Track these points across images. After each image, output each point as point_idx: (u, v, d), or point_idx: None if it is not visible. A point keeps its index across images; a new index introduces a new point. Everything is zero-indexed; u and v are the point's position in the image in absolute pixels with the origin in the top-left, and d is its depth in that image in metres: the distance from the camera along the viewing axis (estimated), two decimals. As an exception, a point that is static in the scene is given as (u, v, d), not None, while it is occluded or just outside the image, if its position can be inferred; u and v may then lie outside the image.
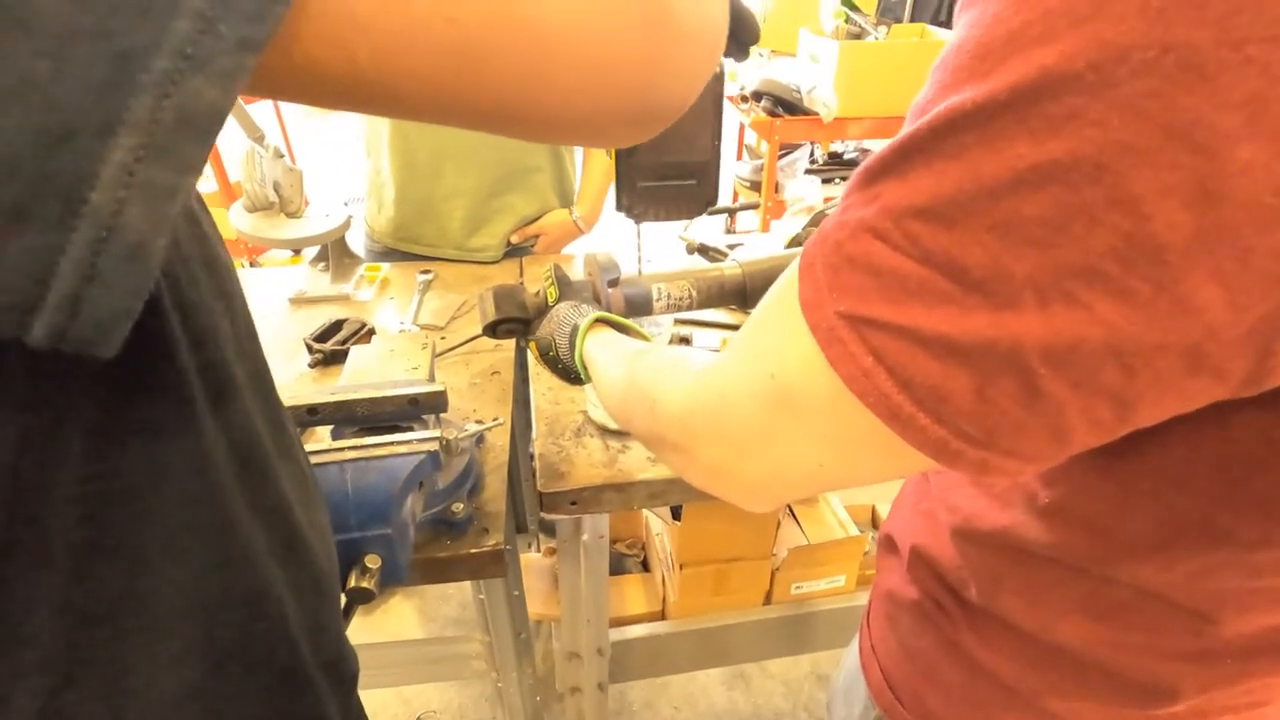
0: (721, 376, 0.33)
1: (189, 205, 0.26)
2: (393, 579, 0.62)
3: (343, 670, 0.38)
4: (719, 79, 0.59)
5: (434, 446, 0.66)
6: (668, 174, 0.61)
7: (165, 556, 0.26)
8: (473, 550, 0.75)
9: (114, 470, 0.24)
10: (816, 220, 0.76)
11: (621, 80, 0.24)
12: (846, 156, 3.04)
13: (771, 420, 0.30)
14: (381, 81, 0.21)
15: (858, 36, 2.61)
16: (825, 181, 2.77)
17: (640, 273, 0.75)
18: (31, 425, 0.21)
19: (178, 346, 0.25)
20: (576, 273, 0.71)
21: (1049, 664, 0.39)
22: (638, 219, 0.66)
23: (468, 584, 1.57)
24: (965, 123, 0.22)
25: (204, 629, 0.28)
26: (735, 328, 1.09)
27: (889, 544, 0.51)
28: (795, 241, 0.79)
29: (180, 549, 0.27)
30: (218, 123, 0.17)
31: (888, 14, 3.56)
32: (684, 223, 1.52)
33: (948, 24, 5.31)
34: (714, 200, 0.66)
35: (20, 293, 0.16)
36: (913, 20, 4.25)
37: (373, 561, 0.60)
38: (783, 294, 0.30)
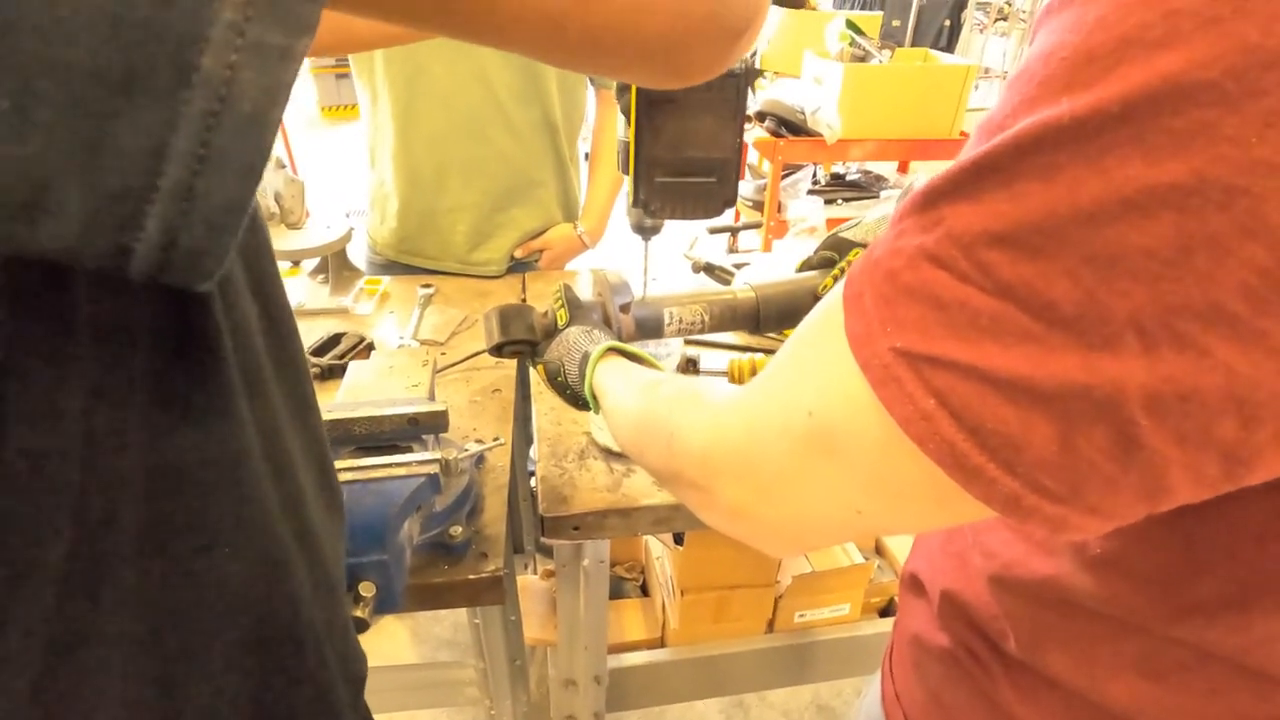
0: (749, 410, 0.31)
1: None
2: (387, 607, 0.59)
3: (353, 669, 0.38)
4: (742, 77, 0.57)
5: (433, 469, 0.63)
6: (687, 170, 0.59)
7: (211, 546, 0.26)
8: (470, 576, 0.72)
9: (167, 456, 0.23)
10: (830, 244, 0.74)
11: None
12: (849, 178, 3.05)
13: (805, 461, 0.27)
14: None
15: (862, 59, 2.62)
16: (828, 202, 2.77)
17: (646, 291, 0.72)
18: (98, 409, 0.21)
19: (219, 328, 0.24)
20: (582, 290, 0.69)
21: None
22: (654, 215, 0.63)
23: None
24: (1060, 139, 0.19)
25: (246, 621, 0.28)
26: (745, 349, 1.06)
27: (914, 585, 0.48)
28: (806, 265, 0.77)
29: (222, 538, 0.26)
30: None
31: (889, 38, 3.59)
32: (689, 240, 1.51)
33: (949, 49, 5.37)
34: (733, 200, 0.64)
35: (135, 175, 0.15)
36: (913, 46, 4.29)
37: (367, 589, 0.58)
38: (823, 325, 0.27)
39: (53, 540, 0.20)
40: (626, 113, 0.57)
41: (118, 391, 0.21)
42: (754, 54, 3.35)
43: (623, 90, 0.57)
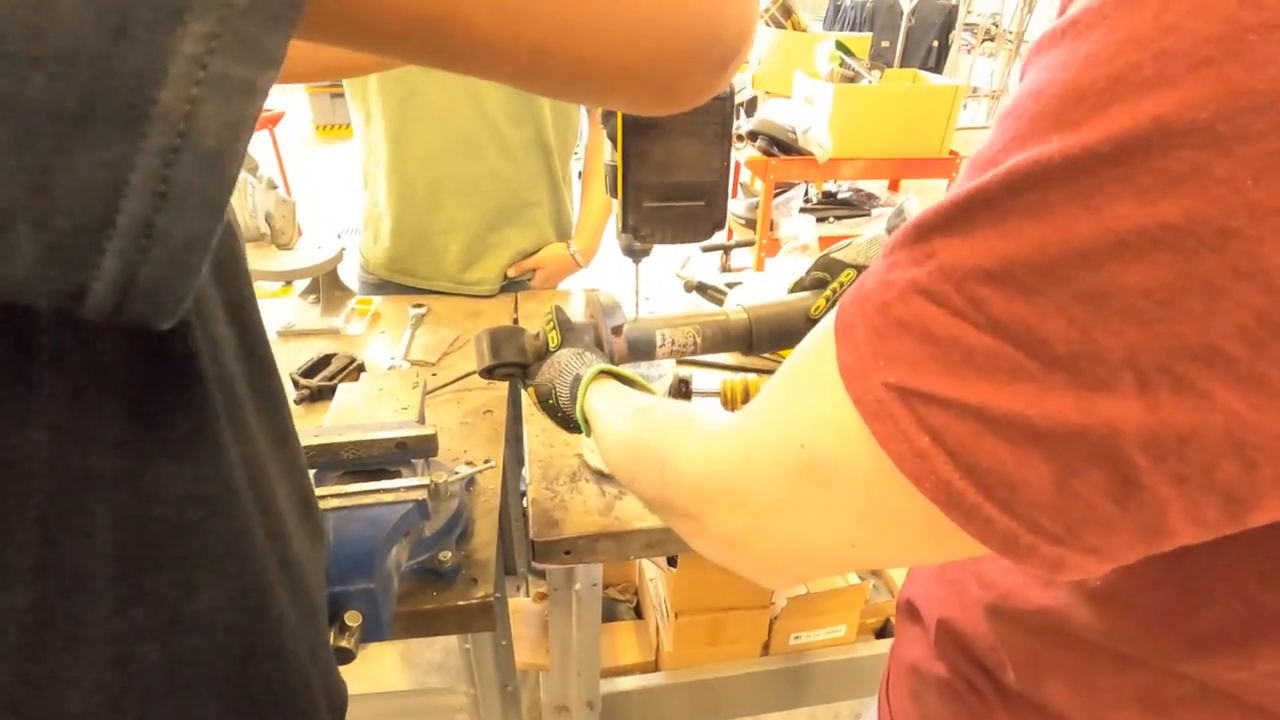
0: (743, 439, 0.31)
1: None
2: (374, 636, 0.58)
3: (336, 698, 0.37)
4: (728, 99, 0.57)
5: (422, 495, 0.62)
6: (675, 194, 0.59)
7: (196, 583, 0.25)
8: (460, 602, 0.71)
9: (145, 494, 0.23)
10: (822, 264, 0.75)
11: (685, 11, 0.24)
12: (840, 196, 3.08)
13: (798, 492, 0.27)
14: (439, 17, 0.20)
15: (852, 80, 2.65)
16: (820, 220, 2.79)
17: (638, 312, 0.72)
18: (64, 450, 0.20)
19: (199, 351, 0.24)
20: (574, 309, 0.69)
21: None
22: (644, 240, 0.63)
23: (452, 629, 1.52)
24: (1050, 177, 0.19)
25: (231, 653, 0.27)
26: (737, 369, 1.06)
27: (910, 612, 0.48)
28: (799, 285, 0.77)
29: (207, 574, 0.25)
30: (295, 6, 0.15)
31: (878, 59, 3.64)
32: (681, 260, 1.51)
33: (937, 69, 5.45)
34: (723, 223, 0.64)
35: (91, 212, 0.14)
36: (902, 66, 4.36)
37: (353, 619, 0.56)
38: (815, 355, 0.27)
39: (15, 595, 0.20)
40: (613, 138, 0.57)
41: (86, 432, 0.20)
42: (745, 83, 3.39)
43: (608, 116, 0.57)
